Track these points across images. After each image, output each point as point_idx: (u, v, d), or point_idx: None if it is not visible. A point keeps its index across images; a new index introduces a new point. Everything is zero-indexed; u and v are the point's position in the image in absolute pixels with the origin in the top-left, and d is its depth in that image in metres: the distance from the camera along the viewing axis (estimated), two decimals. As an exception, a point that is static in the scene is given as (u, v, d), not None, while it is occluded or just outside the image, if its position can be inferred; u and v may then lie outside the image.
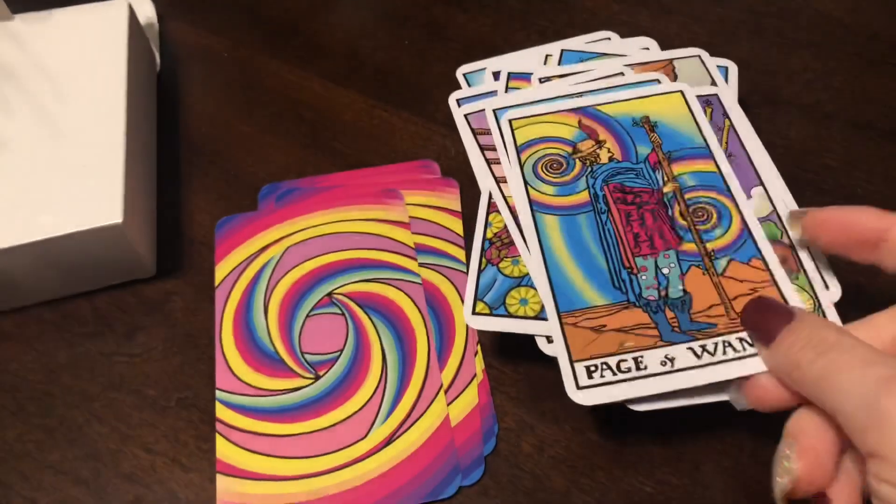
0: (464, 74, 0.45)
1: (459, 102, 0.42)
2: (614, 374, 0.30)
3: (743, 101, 0.44)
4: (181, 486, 0.33)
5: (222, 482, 0.33)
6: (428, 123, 0.44)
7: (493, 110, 0.41)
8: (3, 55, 0.42)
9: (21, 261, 0.36)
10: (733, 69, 0.43)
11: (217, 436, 0.34)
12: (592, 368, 0.31)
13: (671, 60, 0.43)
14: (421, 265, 0.39)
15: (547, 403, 0.34)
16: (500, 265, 0.35)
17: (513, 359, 0.36)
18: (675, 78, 0.42)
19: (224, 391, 0.35)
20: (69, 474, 0.34)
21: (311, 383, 0.35)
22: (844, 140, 0.42)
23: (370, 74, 0.48)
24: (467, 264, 0.38)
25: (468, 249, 0.39)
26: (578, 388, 0.30)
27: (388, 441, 0.33)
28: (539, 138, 0.39)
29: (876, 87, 0.45)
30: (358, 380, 0.35)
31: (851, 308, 0.36)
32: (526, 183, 0.37)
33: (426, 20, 0.51)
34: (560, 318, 0.32)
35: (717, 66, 0.43)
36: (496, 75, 0.44)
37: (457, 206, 0.41)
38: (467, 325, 0.36)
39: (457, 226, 0.40)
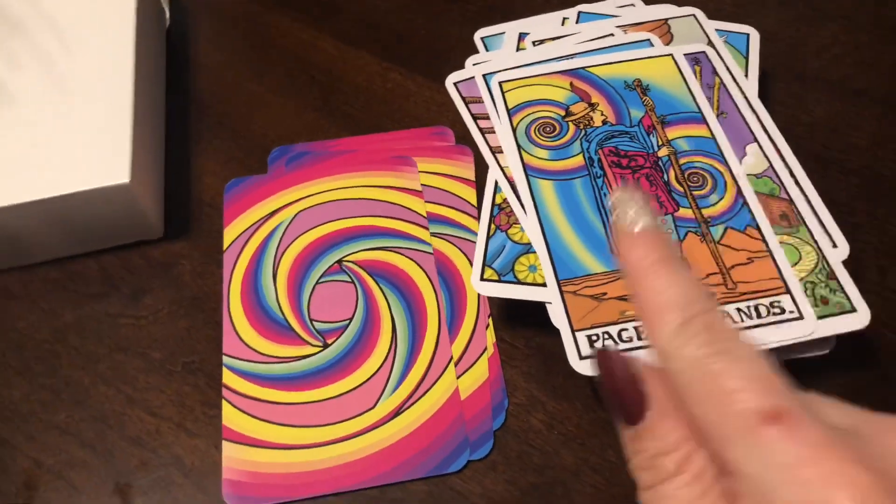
0: (482, 38, 0.44)
1: (457, 85, 0.41)
2: (616, 343, 0.30)
3: (767, 75, 0.43)
4: (186, 452, 0.33)
5: (228, 449, 0.33)
6: (443, 88, 0.42)
7: (483, 75, 0.40)
8: (12, 10, 0.41)
9: (27, 219, 0.35)
10: (755, 36, 0.41)
11: (224, 402, 0.34)
12: (594, 338, 0.30)
13: (666, 20, 0.42)
14: (433, 235, 0.38)
15: (558, 379, 0.34)
16: (509, 231, 0.35)
17: (524, 333, 0.35)
18: (671, 38, 0.41)
19: (231, 357, 0.35)
20: (75, 436, 0.34)
21: (320, 351, 0.35)
22: (873, 118, 0.41)
23: (385, 36, 0.47)
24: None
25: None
26: (581, 357, 0.30)
27: (397, 412, 0.33)
28: (531, 101, 0.38)
29: (907, 64, 0.43)
30: (367, 349, 0.35)
31: (859, 266, 0.35)
32: (519, 147, 0.36)
33: (444, -19, 0.49)
34: (560, 286, 0.32)
35: (737, 34, 0.41)
36: (522, 36, 0.43)
37: (471, 175, 0.40)
38: (478, 297, 0.36)
39: (470, 195, 0.39)
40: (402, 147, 0.42)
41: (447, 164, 0.41)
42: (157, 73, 0.44)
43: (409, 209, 0.39)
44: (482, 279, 0.33)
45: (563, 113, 0.38)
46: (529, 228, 0.34)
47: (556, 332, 0.32)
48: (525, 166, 0.36)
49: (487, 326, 0.35)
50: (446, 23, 0.47)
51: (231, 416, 0.33)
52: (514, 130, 0.37)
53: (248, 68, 0.46)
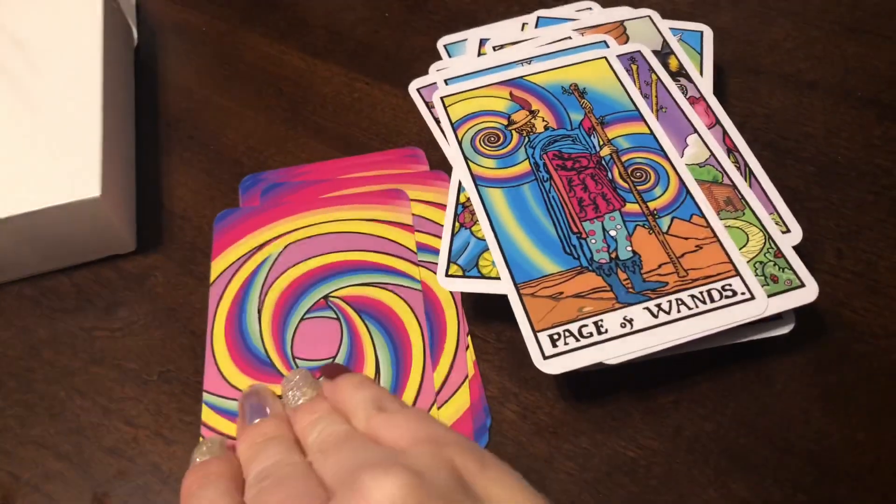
0: (444, 46, 0.45)
1: (420, 91, 0.42)
2: (577, 339, 0.31)
3: (724, 71, 0.44)
4: (164, 459, 0.33)
5: None
6: (409, 95, 0.43)
7: (444, 80, 0.41)
8: (-24, 29, 0.41)
9: (-2, 236, 0.35)
10: (708, 34, 0.43)
11: (201, 440, 0.33)
12: (556, 336, 0.31)
13: (622, 22, 0.43)
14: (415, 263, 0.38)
15: (529, 370, 0.34)
16: (473, 228, 0.35)
17: (495, 328, 0.36)
18: (626, 39, 0.42)
19: (212, 394, 0.34)
20: (51, 449, 0.34)
21: None
22: (825, 108, 0.42)
23: (350, 47, 0.48)
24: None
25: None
26: (545, 357, 0.31)
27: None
28: (473, 113, 0.39)
29: (857, 56, 0.45)
30: None
31: (817, 249, 0.36)
32: (466, 159, 0.37)
33: (407, -8, 0.50)
34: (518, 289, 0.33)
35: (691, 32, 0.43)
36: (483, 42, 0.44)
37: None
38: (458, 321, 0.35)
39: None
40: (376, 172, 0.41)
41: (426, 190, 0.40)
42: (126, 90, 0.44)
43: (399, 244, 0.38)
44: (447, 275, 0.34)
45: (505, 122, 0.39)
46: (485, 236, 0.35)
47: (525, 324, 0.32)
48: (474, 177, 0.37)
49: (467, 348, 0.35)
50: (411, 32, 0.48)
51: None
52: (459, 143, 0.38)
53: (217, 83, 0.46)
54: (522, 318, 0.32)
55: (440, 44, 0.45)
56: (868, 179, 0.39)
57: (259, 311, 0.36)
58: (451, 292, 0.36)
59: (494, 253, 0.34)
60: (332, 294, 0.37)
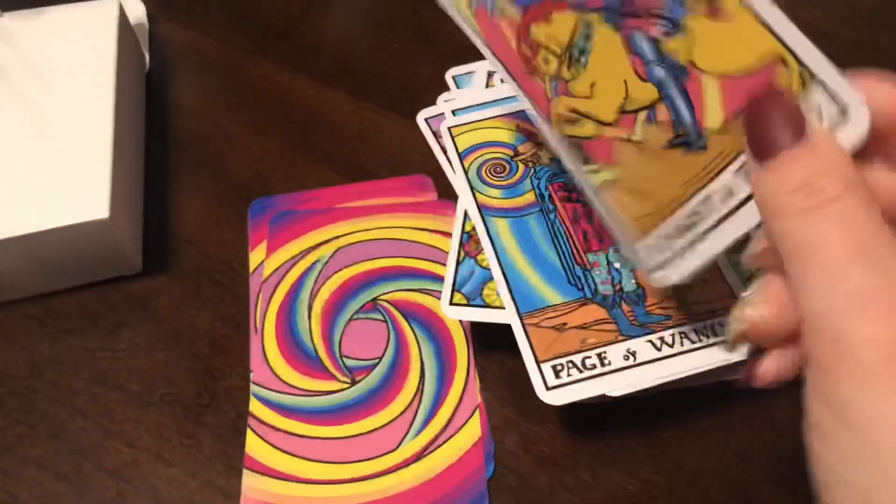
0: (453, 77, 0.46)
1: (428, 121, 0.43)
2: (580, 371, 0.31)
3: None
4: (164, 482, 0.33)
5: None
6: (416, 125, 0.44)
7: (452, 111, 0.42)
8: (-7, 53, 0.42)
9: (6, 255, 0.36)
10: None
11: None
12: (559, 367, 0.31)
13: None
14: (423, 292, 0.38)
15: (532, 401, 0.34)
16: (478, 257, 0.36)
17: (498, 358, 0.36)
18: None
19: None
20: (51, 469, 0.33)
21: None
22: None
23: (359, 76, 0.48)
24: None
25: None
26: (548, 388, 0.31)
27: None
28: (480, 143, 0.40)
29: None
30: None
31: None
32: (472, 188, 0.38)
33: (415, 24, 0.51)
34: (522, 319, 0.33)
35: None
36: (491, 74, 0.44)
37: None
38: (468, 351, 0.36)
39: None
40: (385, 200, 0.42)
41: (436, 219, 0.41)
42: (137, 114, 0.45)
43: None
44: (451, 304, 0.34)
45: (511, 153, 0.39)
46: (490, 265, 0.35)
47: (529, 355, 0.32)
48: (479, 206, 0.37)
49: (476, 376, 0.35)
50: (420, 63, 0.49)
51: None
52: (466, 173, 0.38)
53: (227, 109, 0.47)
54: (526, 349, 0.32)
55: (448, 75, 0.46)
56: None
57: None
58: (460, 321, 0.36)
59: (499, 282, 0.34)
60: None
